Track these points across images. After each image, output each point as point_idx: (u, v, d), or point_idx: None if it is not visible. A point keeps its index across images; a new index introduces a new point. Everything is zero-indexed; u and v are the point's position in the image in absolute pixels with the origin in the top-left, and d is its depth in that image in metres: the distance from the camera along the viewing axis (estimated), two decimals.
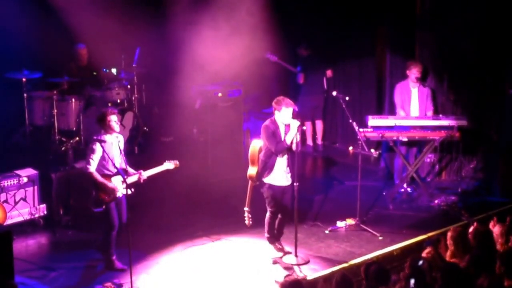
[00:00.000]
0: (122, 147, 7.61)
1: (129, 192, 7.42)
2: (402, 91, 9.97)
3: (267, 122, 7.81)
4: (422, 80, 9.97)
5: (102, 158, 7.46)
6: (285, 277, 7.11)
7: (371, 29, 11.59)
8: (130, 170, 7.67)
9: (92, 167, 7.43)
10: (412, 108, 9.97)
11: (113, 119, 7.50)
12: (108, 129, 7.49)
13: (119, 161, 7.55)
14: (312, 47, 11.80)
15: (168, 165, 7.83)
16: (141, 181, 7.60)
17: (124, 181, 7.33)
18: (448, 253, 6.91)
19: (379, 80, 11.70)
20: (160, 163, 7.86)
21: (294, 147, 7.73)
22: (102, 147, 7.38)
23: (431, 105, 9.99)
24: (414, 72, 9.82)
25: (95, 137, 7.48)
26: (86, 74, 10.67)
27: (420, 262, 6.38)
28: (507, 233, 7.09)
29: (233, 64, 10.45)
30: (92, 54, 10.75)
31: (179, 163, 7.95)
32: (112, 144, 7.52)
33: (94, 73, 10.80)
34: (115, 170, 7.49)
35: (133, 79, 10.78)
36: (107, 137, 7.48)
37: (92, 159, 7.42)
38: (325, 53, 11.92)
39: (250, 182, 7.96)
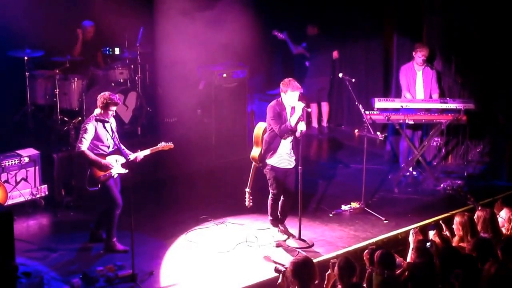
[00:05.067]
0: (114, 128, 7.60)
1: (125, 171, 7.41)
2: (407, 73, 9.92)
3: (273, 102, 7.72)
4: (428, 62, 9.86)
5: (96, 138, 7.45)
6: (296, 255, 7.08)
7: (379, 11, 11.46)
8: (126, 151, 7.61)
9: (84, 146, 7.42)
10: (417, 90, 9.91)
11: (114, 109, 7.51)
12: (105, 115, 7.46)
13: (112, 142, 7.51)
14: (320, 28, 11.68)
15: (163, 146, 7.80)
16: (137, 160, 7.56)
17: (126, 159, 7.29)
18: (455, 238, 6.87)
19: (386, 62, 11.61)
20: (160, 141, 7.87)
21: (298, 133, 7.60)
22: (95, 127, 7.40)
23: (437, 87, 9.91)
24: (420, 55, 9.76)
25: (95, 116, 7.45)
26: (91, 49, 10.57)
27: (428, 244, 6.34)
28: None
29: (238, 44, 10.35)
30: (97, 33, 10.67)
31: (182, 145, 7.90)
32: (106, 125, 7.48)
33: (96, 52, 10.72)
34: (109, 150, 7.51)
35: (137, 59, 10.70)
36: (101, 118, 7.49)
37: (84, 138, 7.41)
38: (332, 34, 11.80)
39: (253, 163, 7.88)
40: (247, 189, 7.94)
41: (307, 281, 5.65)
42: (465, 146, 10.33)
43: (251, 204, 7.97)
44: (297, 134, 7.64)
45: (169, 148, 7.86)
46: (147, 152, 7.67)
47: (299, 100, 7.63)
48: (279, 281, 5.95)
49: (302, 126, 7.58)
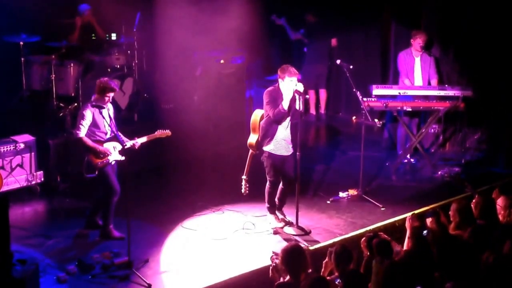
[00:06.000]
0: (112, 115, 7.55)
1: (123, 158, 7.39)
2: (405, 60, 9.90)
3: (269, 88, 7.68)
4: (426, 49, 9.82)
5: (93, 124, 7.41)
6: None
7: None
8: (123, 138, 7.57)
9: (82, 133, 7.39)
10: (415, 77, 9.88)
11: (111, 95, 7.46)
12: (102, 101, 7.41)
13: (109, 129, 7.47)
14: (319, 15, 11.61)
15: (160, 134, 7.76)
16: (136, 147, 7.51)
17: (123, 146, 7.26)
18: (452, 225, 6.87)
19: (384, 49, 11.56)
20: (158, 129, 7.83)
21: (300, 107, 7.50)
22: (93, 113, 7.36)
23: (435, 72, 9.87)
24: (419, 41, 9.72)
25: (92, 102, 7.40)
26: (87, 32, 10.47)
27: (425, 232, 6.32)
28: (510, 206, 7.01)
29: (236, 30, 10.27)
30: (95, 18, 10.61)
31: (179, 132, 7.86)
32: (103, 112, 7.44)
33: (93, 36, 10.62)
34: (107, 136, 7.47)
35: (134, 45, 10.62)
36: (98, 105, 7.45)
37: (82, 124, 7.37)
38: (330, 21, 11.73)
39: (250, 150, 7.84)
40: (244, 176, 7.91)
41: (297, 269, 5.63)
42: (463, 133, 10.32)
43: (247, 191, 7.94)
44: (307, 96, 7.53)
45: (166, 136, 7.83)
46: (144, 139, 7.63)
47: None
48: (270, 274, 5.94)
49: (299, 87, 7.45)
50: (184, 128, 9.78)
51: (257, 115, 7.80)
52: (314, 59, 11.73)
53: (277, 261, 5.93)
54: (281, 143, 7.67)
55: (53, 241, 7.54)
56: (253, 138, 7.79)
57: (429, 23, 10.30)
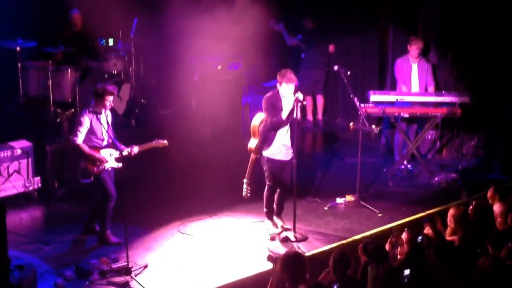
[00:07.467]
0: (110, 121, 7.56)
1: (119, 165, 7.40)
2: (402, 66, 9.90)
3: (269, 93, 7.68)
4: (423, 55, 9.83)
5: (90, 131, 7.41)
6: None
7: (375, 3, 11.40)
8: (120, 145, 7.57)
9: (79, 139, 7.39)
10: (413, 84, 9.89)
11: (110, 99, 7.46)
12: (101, 106, 7.42)
13: (107, 135, 7.47)
14: (316, 21, 11.62)
15: (157, 143, 7.77)
16: (132, 154, 7.52)
17: (120, 153, 7.27)
18: (448, 231, 6.87)
19: (381, 55, 11.56)
20: (155, 138, 7.83)
21: (297, 115, 7.49)
22: (90, 120, 7.36)
23: (432, 80, 9.88)
24: (414, 48, 9.75)
25: (90, 109, 7.40)
26: (81, 41, 10.47)
27: (419, 238, 6.33)
28: (507, 212, 7.02)
29: (234, 36, 10.28)
30: (88, 23, 10.53)
31: (176, 137, 7.88)
32: (101, 118, 7.43)
33: (89, 43, 10.60)
34: (104, 143, 7.47)
35: (131, 50, 10.61)
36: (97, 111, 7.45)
37: (79, 131, 7.38)
38: (328, 26, 11.74)
39: (252, 154, 7.83)
40: (245, 180, 7.89)
41: (296, 275, 5.62)
42: (460, 139, 10.34)
43: (248, 194, 7.92)
44: (304, 102, 7.56)
45: (164, 146, 7.82)
46: (141, 148, 7.62)
47: (295, 92, 7.56)
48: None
49: (300, 96, 7.45)
50: (181, 133, 9.79)
51: (258, 119, 7.77)
52: (311, 65, 11.73)
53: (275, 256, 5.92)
54: (280, 148, 7.67)
55: (51, 246, 7.53)
56: (253, 143, 7.79)
57: (427, 29, 10.31)
